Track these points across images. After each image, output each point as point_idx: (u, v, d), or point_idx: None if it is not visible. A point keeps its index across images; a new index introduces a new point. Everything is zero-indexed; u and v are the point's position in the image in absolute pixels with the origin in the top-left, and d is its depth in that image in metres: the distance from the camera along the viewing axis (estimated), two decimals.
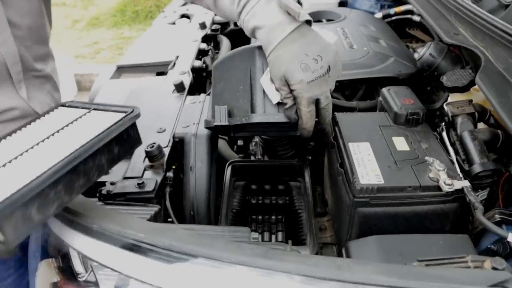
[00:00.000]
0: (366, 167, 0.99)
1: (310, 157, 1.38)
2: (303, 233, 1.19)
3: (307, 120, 0.97)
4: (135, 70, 1.60)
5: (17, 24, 1.01)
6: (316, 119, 1.00)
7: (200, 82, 1.53)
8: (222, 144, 1.42)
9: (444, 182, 0.92)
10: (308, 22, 0.95)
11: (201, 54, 1.66)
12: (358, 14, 1.81)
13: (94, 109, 0.90)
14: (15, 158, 0.77)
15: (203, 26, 1.79)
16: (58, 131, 0.84)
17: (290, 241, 0.79)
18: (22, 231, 0.71)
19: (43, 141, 0.81)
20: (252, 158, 1.49)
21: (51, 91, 1.17)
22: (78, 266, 0.88)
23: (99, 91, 1.44)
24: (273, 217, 1.34)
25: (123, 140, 0.86)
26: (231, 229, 0.86)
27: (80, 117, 0.88)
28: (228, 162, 1.30)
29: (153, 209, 0.94)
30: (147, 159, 1.06)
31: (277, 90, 0.97)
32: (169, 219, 1.04)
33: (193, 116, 1.19)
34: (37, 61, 1.10)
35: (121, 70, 1.61)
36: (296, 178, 1.32)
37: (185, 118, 1.20)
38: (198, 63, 1.54)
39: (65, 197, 0.76)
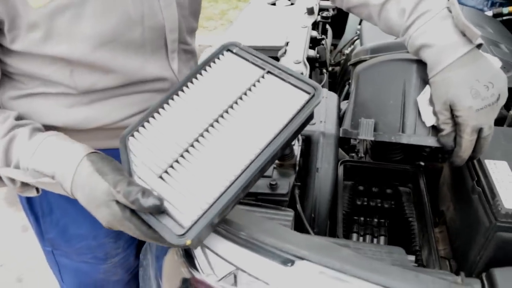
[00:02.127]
0: (508, 189, 0.95)
1: (422, 163, 1.34)
2: (415, 244, 1.16)
3: (466, 149, 0.93)
4: None
5: None
6: None
7: (310, 73, 1.49)
8: None
9: None
10: (478, 46, 0.90)
11: (312, 42, 1.60)
12: (472, 12, 1.72)
13: (269, 72, 0.82)
14: (191, 144, 0.75)
15: (311, 11, 1.73)
16: (236, 103, 0.79)
17: (462, 273, 0.76)
18: (204, 237, 0.74)
19: (222, 116, 0.77)
20: (353, 155, 1.46)
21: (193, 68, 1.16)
22: (206, 268, 0.86)
23: None
24: (376, 220, 1.32)
25: (300, 127, 0.79)
26: (385, 248, 0.84)
27: (255, 84, 0.81)
28: (340, 161, 1.27)
29: (289, 214, 0.92)
30: None
31: (436, 113, 0.93)
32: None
33: (318, 113, 1.15)
34: (188, 35, 1.09)
35: None
36: (406, 184, 1.29)
37: None
38: (312, 53, 1.49)
39: (241, 194, 0.75)
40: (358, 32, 1.79)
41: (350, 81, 1.65)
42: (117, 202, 0.71)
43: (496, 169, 1.00)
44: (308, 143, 1.09)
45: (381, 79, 0.99)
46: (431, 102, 0.93)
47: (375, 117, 0.97)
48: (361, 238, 1.29)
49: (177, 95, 0.83)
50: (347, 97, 1.71)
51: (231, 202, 0.71)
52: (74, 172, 0.76)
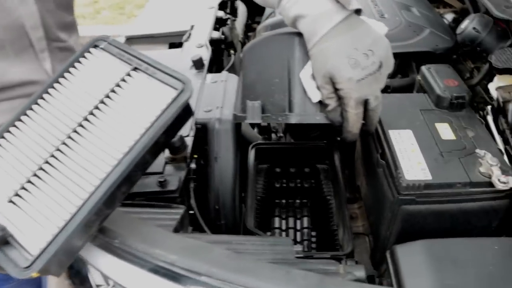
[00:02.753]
0: (411, 159, 0.91)
1: (338, 138, 1.29)
2: (333, 222, 1.12)
3: (354, 123, 0.87)
4: (146, 41, 1.48)
5: None
6: (363, 121, 0.89)
7: (217, 55, 1.41)
8: (244, 124, 1.32)
9: (499, 180, 0.84)
10: (357, 12, 0.84)
11: (218, 23, 1.52)
12: None
13: (136, 68, 0.73)
14: (46, 160, 0.67)
15: None
16: (97, 107, 0.71)
17: (343, 262, 0.71)
18: (66, 263, 0.66)
19: (81, 125, 0.70)
20: (273, 136, 1.40)
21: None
22: (98, 278, 0.80)
23: None
24: (298, 201, 1.27)
25: (172, 126, 0.71)
26: (271, 241, 0.78)
27: (119, 83, 0.73)
28: (251, 145, 1.21)
29: (178, 211, 0.85)
30: (167, 151, 0.97)
31: (319, 88, 0.86)
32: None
33: (215, 99, 1.08)
34: (61, 30, 0.97)
35: (131, 41, 1.49)
36: (323, 161, 1.24)
37: (206, 101, 1.09)
38: (216, 34, 1.41)
39: (107, 211, 0.67)
40: None
41: None
42: None
43: (400, 139, 0.96)
44: (205, 132, 1.02)
45: (265, 57, 0.91)
46: (314, 76, 0.87)
47: (262, 98, 0.90)
48: (283, 222, 1.24)
49: (37, 103, 0.75)
50: None
51: (90, 222, 0.64)
52: None
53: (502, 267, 0.78)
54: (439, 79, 1.06)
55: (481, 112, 1.09)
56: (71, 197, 0.64)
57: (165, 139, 0.74)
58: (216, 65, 1.37)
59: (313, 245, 1.20)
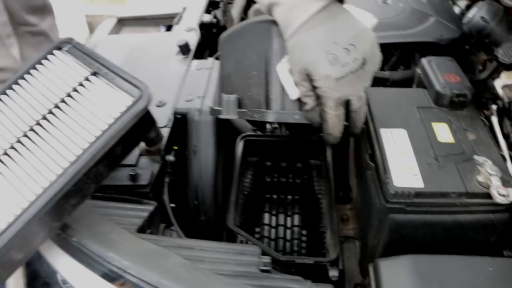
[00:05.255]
0: (402, 163, 0.83)
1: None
2: (322, 224, 1.05)
3: (334, 126, 0.79)
4: (138, 23, 1.41)
5: None
6: (346, 123, 0.81)
7: (210, 40, 1.33)
8: None
9: (498, 192, 0.75)
10: (341, 1, 0.75)
11: (211, 5, 1.44)
12: None
13: (95, 73, 0.70)
14: None
15: None
16: (51, 112, 0.67)
17: (309, 281, 0.64)
18: (3, 277, 0.61)
19: (33, 129, 0.66)
20: (268, 126, 1.32)
21: None
22: None
23: (95, 48, 1.25)
24: (290, 197, 1.20)
25: (129, 136, 0.68)
26: (238, 249, 0.72)
27: (76, 89, 0.69)
28: (240, 137, 1.14)
29: (147, 208, 0.80)
30: (142, 143, 0.91)
31: (296, 84, 0.79)
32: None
33: (198, 87, 1.02)
34: (30, 14, 0.92)
35: (122, 23, 1.42)
36: (317, 156, 1.16)
37: (189, 89, 1.02)
38: (207, 18, 1.33)
39: (53, 223, 0.63)
40: None
41: None
42: None
43: (392, 139, 0.88)
44: (184, 123, 0.96)
45: (242, 47, 0.83)
46: (291, 71, 0.79)
47: (239, 91, 0.83)
48: (273, 218, 1.18)
49: None
50: None
51: (30, 234, 0.60)
52: None
53: None
54: (440, 73, 0.97)
55: (486, 112, 1.00)
56: (12, 207, 0.59)
57: (122, 149, 0.70)
58: (209, 50, 1.29)
59: (303, 245, 1.15)
